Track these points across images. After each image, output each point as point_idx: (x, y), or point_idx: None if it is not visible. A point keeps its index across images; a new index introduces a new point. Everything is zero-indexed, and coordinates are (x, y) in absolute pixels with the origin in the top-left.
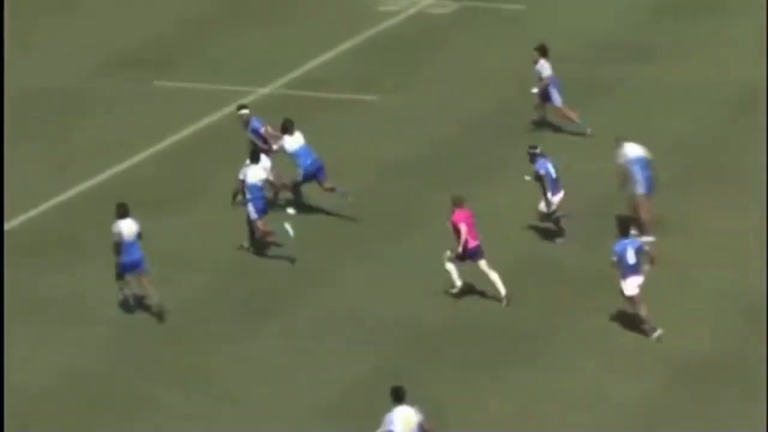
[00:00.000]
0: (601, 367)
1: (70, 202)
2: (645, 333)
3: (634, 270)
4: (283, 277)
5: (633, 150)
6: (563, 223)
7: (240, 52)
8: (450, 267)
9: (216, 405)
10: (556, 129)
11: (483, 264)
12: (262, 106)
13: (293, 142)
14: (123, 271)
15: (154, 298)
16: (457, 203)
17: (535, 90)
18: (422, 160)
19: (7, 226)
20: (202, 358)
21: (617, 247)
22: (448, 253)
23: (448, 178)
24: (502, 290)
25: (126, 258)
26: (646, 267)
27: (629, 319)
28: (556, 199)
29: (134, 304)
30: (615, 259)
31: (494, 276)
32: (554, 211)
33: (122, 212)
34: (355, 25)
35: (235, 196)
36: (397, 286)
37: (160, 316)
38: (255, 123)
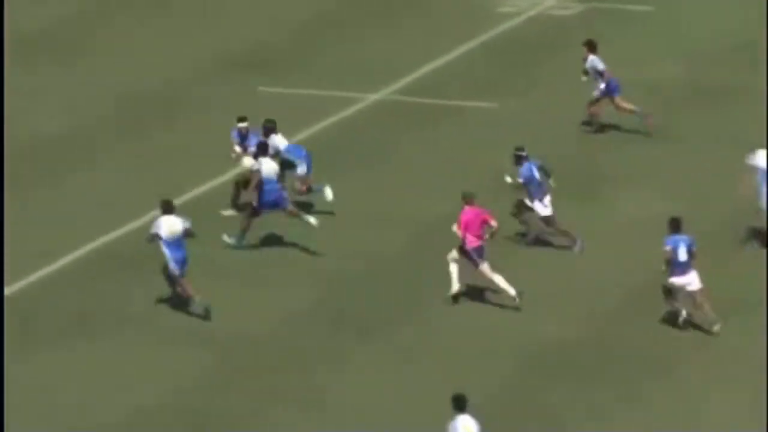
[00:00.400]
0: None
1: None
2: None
3: (683, 268)
4: (396, 292)
5: (763, 159)
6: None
7: (350, 57)
8: (453, 269)
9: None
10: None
11: (485, 267)
12: (373, 113)
13: (282, 140)
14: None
15: (196, 298)
16: (467, 200)
17: (602, 86)
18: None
19: (110, 236)
20: (315, 378)
21: (668, 240)
22: (453, 252)
23: (571, 187)
24: (511, 290)
25: (175, 256)
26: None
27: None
28: (540, 206)
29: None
30: (668, 248)
31: (498, 278)
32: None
33: (166, 208)
34: (472, 28)
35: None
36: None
37: (206, 316)
38: (253, 137)
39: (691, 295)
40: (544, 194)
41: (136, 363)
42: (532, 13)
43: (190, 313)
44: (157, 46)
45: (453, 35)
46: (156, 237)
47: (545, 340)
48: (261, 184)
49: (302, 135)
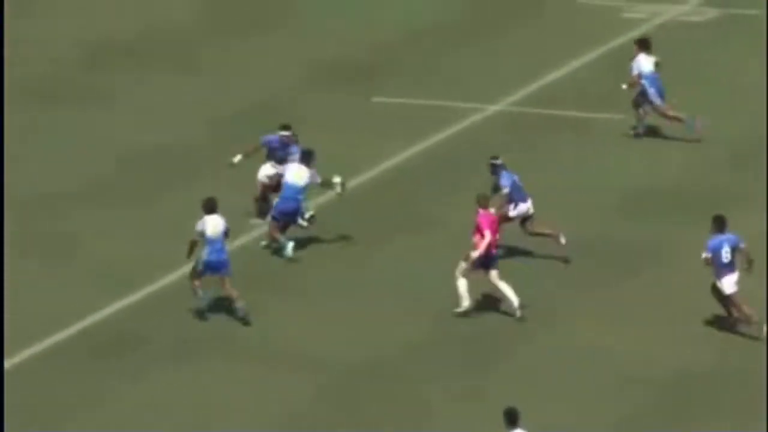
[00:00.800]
0: None
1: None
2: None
3: (729, 268)
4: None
5: None
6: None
7: (469, 65)
8: (462, 283)
9: None
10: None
11: (494, 274)
12: (492, 124)
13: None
14: (204, 270)
15: (238, 302)
16: (483, 203)
17: (624, 86)
18: (670, 188)
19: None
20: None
21: (711, 243)
22: (463, 264)
23: (700, 208)
24: (515, 300)
25: (210, 257)
26: (745, 265)
27: None
28: (524, 206)
29: (206, 309)
30: (708, 255)
31: (504, 286)
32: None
33: (209, 207)
34: (596, 35)
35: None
36: (639, 322)
37: (245, 321)
38: (294, 148)
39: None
40: (525, 197)
41: (242, 387)
42: (660, 19)
43: (297, 337)
44: (266, 53)
45: (576, 43)
46: (202, 235)
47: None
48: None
49: (418, 147)
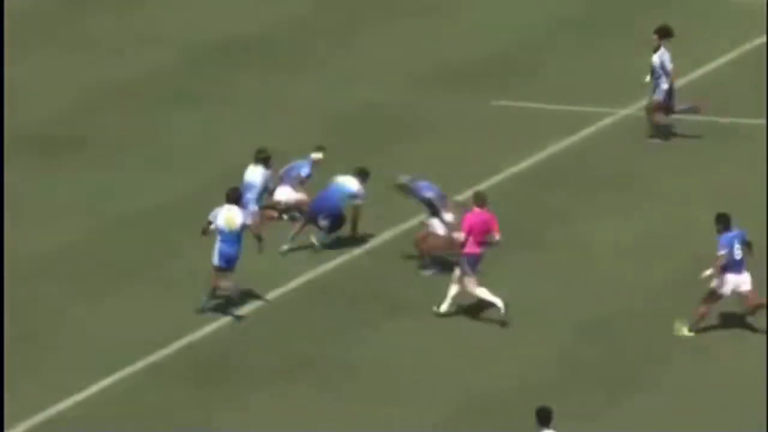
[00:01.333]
0: None
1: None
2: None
3: (739, 267)
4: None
5: None
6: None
7: (599, 67)
8: (480, 291)
9: None
10: None
11: (471, 281)
12: (621, 129)
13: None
14: (218, 264)
15: (220, 292)
16: (479, 202)
17: (664, 87)
18: None
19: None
20: None
21: (723, 240)
22: (457, 272)
23: None
24: (499, 302)
25: (220, 249)
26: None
27: None
28: (448, 216)
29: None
30: (723, 253)
31: (483, 291)
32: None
33: (231, 197)
34: (740, 32)
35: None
36: None
37: (201, 311)
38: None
39: (742, 295)
40: (446, 207)
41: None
42: None
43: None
44: (374, 55)
45: (716, 42)
46: (209, 225)
47: None
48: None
49: (542, 154)
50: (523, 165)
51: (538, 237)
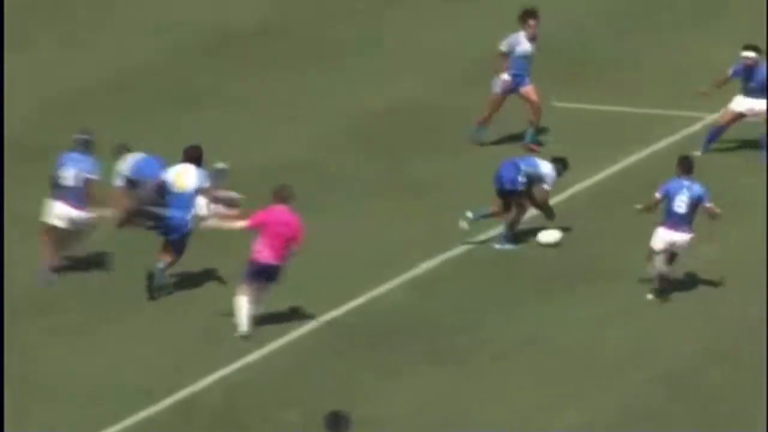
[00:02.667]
0: None
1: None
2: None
3: (677, 222)
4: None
5: None
6: None
7: (678, 64)
8: (239, 301)
9: None
10: None
11: (246, 292)
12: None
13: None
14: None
15: (160, 263)
16: (282, 196)
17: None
18: None
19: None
20: None
21: (669, 185)
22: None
23: None
24: (244, 327)
25: (170, 212)
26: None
27: None
28: None
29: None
30: (658, 196)
31: (242, 302)
32: None
33: (189, 155)
34: None
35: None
36: None
37: (149, 275)
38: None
39: (671, 257)
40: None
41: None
42: None
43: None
44: (426, 47)
45: None
46: (161, 185)
47: None
48: None
49: (618, 165)
50: (597, 178)
51: (602, 269)
